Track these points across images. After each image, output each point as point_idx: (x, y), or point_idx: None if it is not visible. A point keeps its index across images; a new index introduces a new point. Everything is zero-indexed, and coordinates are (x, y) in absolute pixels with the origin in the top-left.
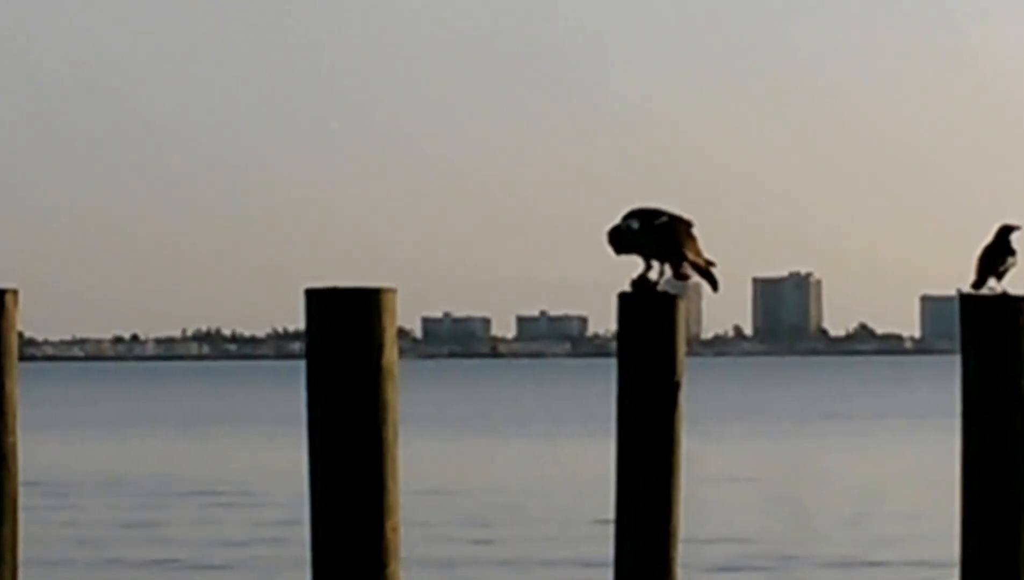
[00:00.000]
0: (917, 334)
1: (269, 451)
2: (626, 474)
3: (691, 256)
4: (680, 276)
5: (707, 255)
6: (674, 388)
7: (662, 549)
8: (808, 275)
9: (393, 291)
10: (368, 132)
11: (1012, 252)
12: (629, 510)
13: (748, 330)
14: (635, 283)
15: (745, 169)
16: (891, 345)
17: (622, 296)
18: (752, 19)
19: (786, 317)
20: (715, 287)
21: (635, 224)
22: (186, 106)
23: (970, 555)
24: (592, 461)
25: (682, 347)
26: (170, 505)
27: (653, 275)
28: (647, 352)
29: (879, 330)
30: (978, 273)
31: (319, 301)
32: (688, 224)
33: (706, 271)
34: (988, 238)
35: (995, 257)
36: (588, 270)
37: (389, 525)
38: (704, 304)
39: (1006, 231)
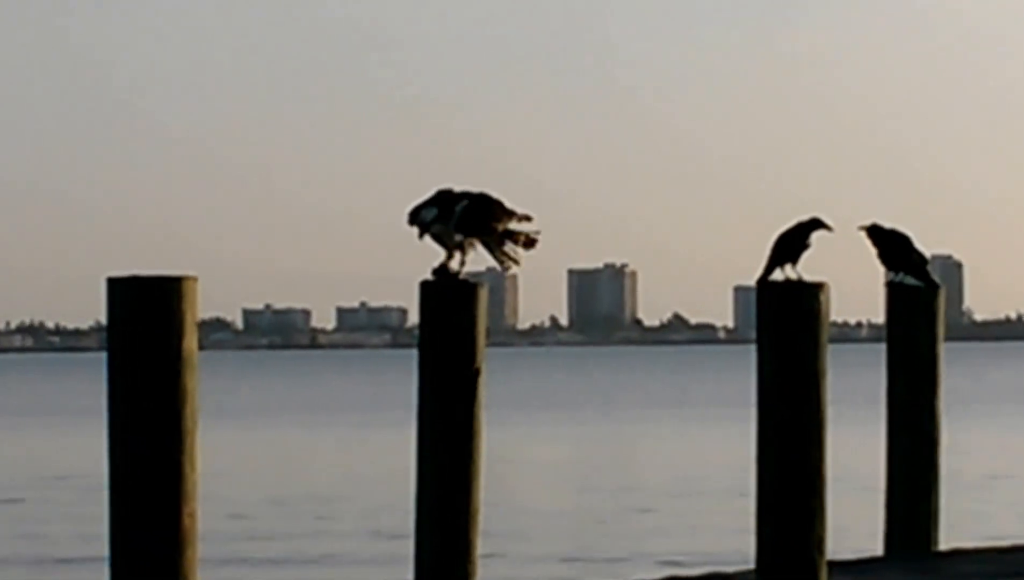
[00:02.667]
0: (730, 324)
1: (83, 440)
2: (426, 460)
3: (501, 227)
4: (499, 249)
5: (520, 211)
6: (474, 375)
7: (462, 533)
8: (623, 266)
9: (194, 279)
10: (183, 128)
11: (807, 237)
12: (429, 494)
13: (564, 320)
14: (436, 271)
15: (559, 163)
16: (705, 334)
17: (424, 284)
18: (563, 7)
19: (601, 307)
20: (533, 244)
21: (431, 215)
22: None
23: (765, 538)
24: (400, 448)
25: (482, 334)
26: None
27: (454, 264)
28: (447, 339)
29: (693, 320)
30: (768, 260)
31: (120, 289)
32: (493, 200)
33: (528, 240)
34: (788, 225)
35: (788, 245)
36: (408, 262)
37: (186, 511)
38: (520, 295)
39: (813, 225)
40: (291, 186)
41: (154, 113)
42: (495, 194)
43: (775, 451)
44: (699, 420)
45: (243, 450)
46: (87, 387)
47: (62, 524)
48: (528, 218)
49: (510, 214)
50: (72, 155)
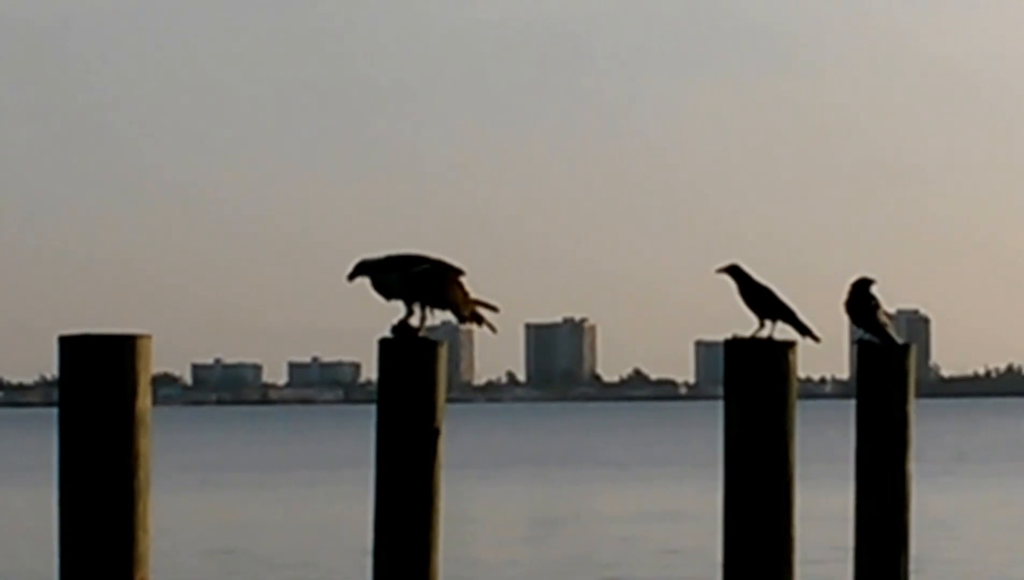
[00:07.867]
0: (692, 379)
1: (31, 500)
2: (384, 521)
3: (454, 303)
4: (463, 319)
5: (485, 299)
6: (434, 435)
7: None
8: (582, 321)
9: (148, 338)
10: (132, 182)
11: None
12: (387, 556)
13: (521, 376)
14: (396, 329)
15: (517, 215)
16: (665, 390)
17: (383, 342)
18: (547, 62)
19: (560, 363)
20: (492, 329)
21: (393, 276)
22: None
23: None
24: (356, 508)
25: (442, 393)
26: None
27: (414, 321)
28: (407, 398)
29: (653, 376)
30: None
31: (72, 348)
32: (456, 271)
33: (479, 317)
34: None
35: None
36: (361, 316)
37: (139, 576)
38: (477, 350)
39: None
40: (240, 238)
41: (104, 167)
42: (456, 263)
43: (742, 513)
44: (662, 480)
45: (192, 510)
46: (32, 444)
47: None
48: (494, 309)
49: (471, 300)
50: (15, 207)
